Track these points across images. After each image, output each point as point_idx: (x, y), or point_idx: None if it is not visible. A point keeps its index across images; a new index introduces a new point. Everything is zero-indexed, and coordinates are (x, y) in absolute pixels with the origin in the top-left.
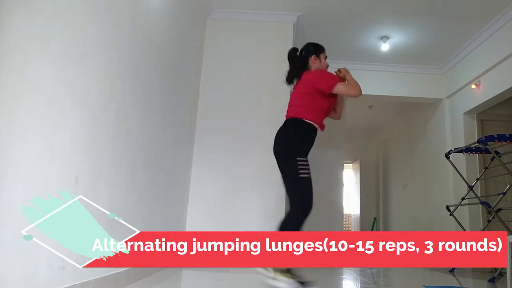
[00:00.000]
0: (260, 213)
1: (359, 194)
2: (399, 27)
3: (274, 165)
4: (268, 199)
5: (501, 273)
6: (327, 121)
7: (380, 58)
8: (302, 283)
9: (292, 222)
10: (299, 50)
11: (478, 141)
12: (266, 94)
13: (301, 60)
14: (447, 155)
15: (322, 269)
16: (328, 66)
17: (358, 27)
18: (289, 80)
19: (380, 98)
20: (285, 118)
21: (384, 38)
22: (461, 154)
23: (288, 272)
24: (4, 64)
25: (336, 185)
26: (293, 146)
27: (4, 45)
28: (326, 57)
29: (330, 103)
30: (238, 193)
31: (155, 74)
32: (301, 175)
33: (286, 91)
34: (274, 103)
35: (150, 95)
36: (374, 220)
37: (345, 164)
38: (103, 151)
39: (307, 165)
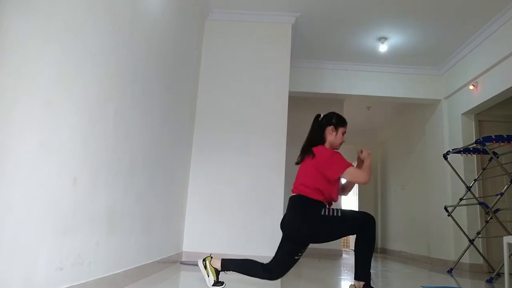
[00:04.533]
0: (259, 211)
1: (357, 195)
2: (397, 28)
3: (273, 164)
4: (266, 197)
5: (499, 273)
6: None
7: (378, 59)
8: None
9: (252, 269)
10: (321, 116)
11: (476, 142)
12: (264, 94)
13: (319, 126)
14: (445, 156)
15: (321, 269)
16: (343, 142)
17: (356, 28)
18: (306, 147)
19: (378, 99)
20: (292, 191)
21: (382, 39)
22: (459, 154)
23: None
24: (3, 65)
25: None
26: (309, 226)
27: (2, 45)
28: (344, 133)
29: (337, 188)
30: (237, 193)
31: (153, 74)
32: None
33: (284, 91)
34: (272, 103)
35: (149, 96)
36: None
37: None
38: (101, 151)
39: (333, 209)
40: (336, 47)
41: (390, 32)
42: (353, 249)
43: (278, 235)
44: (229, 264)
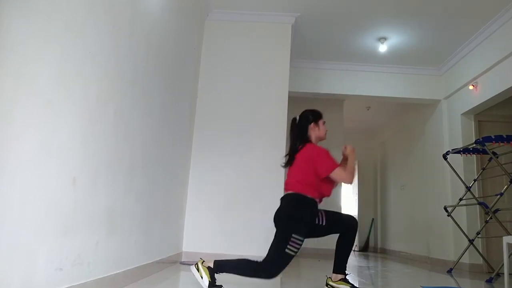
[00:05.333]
0: (259, 211)
1: (357, 195)
2: (396, 28)
3: (273, 164)
4: (266, 197)
5: (499, 273)
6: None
7: (378, 59)
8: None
9: (247, 269)
10: (297, 118)
11: (475, 142)
12: (264, 94)
13: (300, 128)
14: (445, 156)
15: (320, 269)
16: (326, 131)
17: (356, 28)
18: (293, 150)
19: (378, 99)
20: (284, 190)
21: (382, 39)
22: (459, 154)
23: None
24: (3, 65)
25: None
26: (295, 221)
27: (2, 45)
28: (324, 123)
29: (330, 183)
30: (237, 193)
31: (153, 74)
32: (287, 250)
33: (284, 91)
34: (272, 103)
35: (148, 96)
36: (372, 221)
37: None
38: (101, 151)
39: (299, 244)
40: (336, 47)
41: (390, 32)
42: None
43: None
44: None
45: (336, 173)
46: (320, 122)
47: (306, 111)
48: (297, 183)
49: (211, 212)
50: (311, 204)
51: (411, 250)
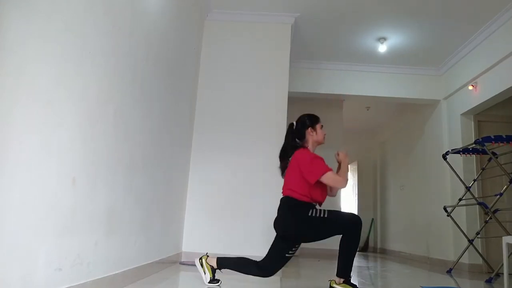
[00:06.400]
0: (258, 211)
1: (356, 195)
2: (396, 28)
3: (272, 165)
4: (266, 198)
5: (498, 273)
6: (325, 122)
7: (378, 59)
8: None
9: (245, 266)
10: (295, 123)
11: (475, 142)
12: (264, 94)
13: (297, 133)
14: (444, 156)
15: (319, 270)
16: (325, 134)
17: (355, 28)
18: (282, 156)
19: (377, 99)
20: (282, 194)
21: (382, 39)
22: (459, 155)
23: None
24: (3, 65)
25: None
26: (297, 226)
27: (2, 45)
28: (322, 127)
29: (322, 188)
30: (236, 193)
31: (153, 74)
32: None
33: (284, 91)
34: (272, 104)
35: (148, 96)
36: (372, 221)
37: None
38: (101, 152)
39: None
40: (336, 48)
41: (390, 33)
42: (339, 246)
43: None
44: (224, 262)
45: (327, 177)
46: (318, 126)
47: (303, 116)
48: (292, 192)
49: (211, 212)
50: (307, 206)
51: (410, 250)
